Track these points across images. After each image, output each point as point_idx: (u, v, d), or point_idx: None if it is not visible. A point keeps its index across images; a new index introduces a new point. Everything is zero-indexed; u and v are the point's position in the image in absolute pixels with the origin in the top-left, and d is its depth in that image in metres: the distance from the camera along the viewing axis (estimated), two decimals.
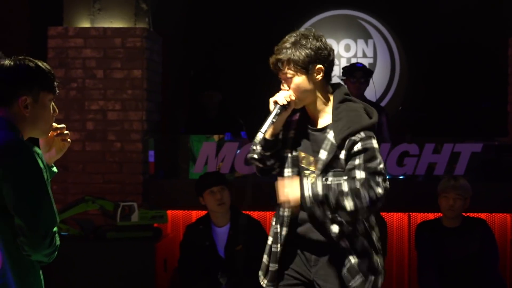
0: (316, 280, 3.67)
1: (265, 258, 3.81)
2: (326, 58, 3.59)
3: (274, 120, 3.51)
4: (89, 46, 6.33)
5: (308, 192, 3.38)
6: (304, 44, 3.55)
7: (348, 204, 3.35)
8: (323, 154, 3.52)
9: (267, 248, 3.79)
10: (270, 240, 3.78)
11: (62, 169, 6.26)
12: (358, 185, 3.39)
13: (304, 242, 3.68)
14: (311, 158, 3.60)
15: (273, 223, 3.75)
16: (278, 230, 3.69)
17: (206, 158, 6.29)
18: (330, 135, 3.51)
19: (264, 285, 3.79)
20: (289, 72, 3.54)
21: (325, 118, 3.61)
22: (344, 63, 9.02)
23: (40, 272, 2.95)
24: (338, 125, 3.50)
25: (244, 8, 8.89)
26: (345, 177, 3.46)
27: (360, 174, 3.43)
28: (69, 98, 6.31)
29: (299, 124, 3.67)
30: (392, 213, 6.24)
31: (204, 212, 5.61)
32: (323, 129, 3.57)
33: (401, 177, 6.20)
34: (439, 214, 5.48)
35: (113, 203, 5.67)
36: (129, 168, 6.27)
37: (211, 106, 7.95)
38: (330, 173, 3.50)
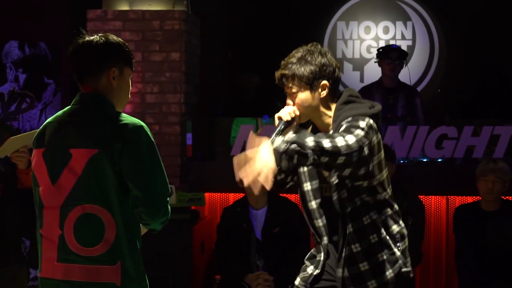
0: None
1: (307, 263, 3.81)
2: (331, 74, 3.56)
3: (278, 135, 3.45)
4: (128, 29, 6.33)
5: (277, 142, 3.19)
6: (309, 61, 3.53)
7: (325, 144, 3.16)
8: None
9: (310, 255, 3.80)
10: (313, 250, 3.79)
11: None
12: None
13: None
14: None
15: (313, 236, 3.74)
16: (320, 240, 3.68)
17: (244, 140, 6.27)
18: None
19: (297, 284, 3.79)
20: (294, 88, 3.53)
21: (330, 124, 3.58)
22: (382, 45, 8.96)
23: None
24: (334, 125, 3.50)
25: None
26: None
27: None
28: None
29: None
30: (430, 196, 6.20)
31: (241, 195, 5.60)
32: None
33: (439, 160, 6.14)
34: (478, 197, 5.43)
35: None
36: (167, 150, 6.26)
37: (249, 88, 7.94)
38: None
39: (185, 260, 5.43)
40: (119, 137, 3.01)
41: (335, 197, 3.54)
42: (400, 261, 3.61)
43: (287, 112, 3.52)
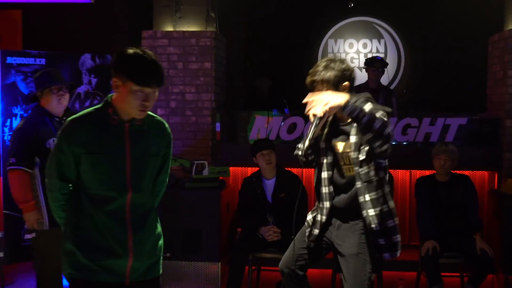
0: (335, 241, 3.65)
1: (308, 223, 3.79)
2: (350, 76, 3.56)
3: (315, 129, 3.44)
4: (172, 45, 6.30)
5: (351, 101, 3.25)
6: (333, 67, 3.50)
7: (378, 114, 3.24)
8: (353, 138, 3.50)
9: (311, 217, 3.78)
10: (314, 211, 3.76)
11: None
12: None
13: (335, 210, 3.64)
14: (344, 144, 3.56)
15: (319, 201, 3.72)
16: (322, 205, 3.66)
17: (258, 128, 6.25)
18: (353, 129, 3.50)
19: (309, 245, 3.78)
20: (323, 89, 3.47)
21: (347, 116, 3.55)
22: (362, 57, 8.91)
23: None
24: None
25: (286, 16, 8.84)
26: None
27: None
28: None
29: (331, 123, 3.63)
30: (397, 170, 6.20)
31: (256, 169, 5.58)
32: (350, 123, 3.54)
33: (404, 143, 6.10)
34: (433, 171, 5.38)
35: (190, 162, 5.67)
36: (201, 135, 6.25)
37: (263, 89, 7.93)
38: (361, 151, 3.47)
39: (214, 217, 5.42)
40: None
41: (358, 170, 3.49)
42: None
43: (321, 110, 3.42)
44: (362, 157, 3.47)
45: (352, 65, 9.12)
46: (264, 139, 5.71)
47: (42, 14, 7.69)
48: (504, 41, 6.02)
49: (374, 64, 6.83)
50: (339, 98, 3.23)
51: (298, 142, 3.69)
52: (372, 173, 3.49)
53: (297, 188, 5.31)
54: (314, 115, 3.38)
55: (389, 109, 3.40)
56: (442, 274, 5.05)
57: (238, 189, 5.68)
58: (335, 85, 3.48)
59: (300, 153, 3.65)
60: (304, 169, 6.30)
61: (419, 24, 8.79)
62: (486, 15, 7.34)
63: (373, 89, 6.79)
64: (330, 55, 3.63)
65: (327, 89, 3.46)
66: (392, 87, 8.69)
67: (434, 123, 6.04)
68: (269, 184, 5.44)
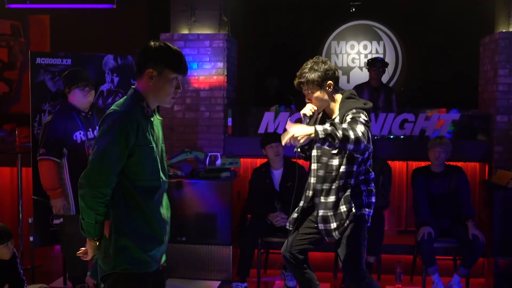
0: (318, 222, 3.75)
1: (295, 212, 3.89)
2: (333, 75, 3.60)
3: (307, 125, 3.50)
4: (188, 46, 6.30)
5: (319, 128, 3.18)
6: (316, 69, 3.56)
7: (350, 134, 3.17)
8: None
9: (299, 206, 3.87)
10: (302, 201, 3.85)
11: (169, 130, 6.30)
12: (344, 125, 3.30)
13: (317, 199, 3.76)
14: None
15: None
16: (306, 194, 3.80)
17: (267, 123, 6.26)
18: (337, 119, 3.55)
19: (288, 228, 3.89)
20: (309, 89, 3.56)
21: (335, 112, 3.63)
22: (362, 58, 8.90)
23: None
24: (341, 112, 3.53)
25: (293, 20, 8.83)
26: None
27: (345, 124, 3.35)
28: None
29: (322, 118, 3.70)
30: (395, 162, 6.18)
31: (265, 160, 5.59)
32: (334, 118, 3.60)
33: (402, 136, 6.08)
34: (429, 162, 5.37)
35: (204, 153, 5.69)
36: (214, 129, 6.26)
37: (271, 87, 7.94)
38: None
39: (227, 204, 5.43)
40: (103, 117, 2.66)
41: (334, 163, 3.60)
42: (363, 208, 3.65)
43: (309, 109, 3.57)
44: (334, 151, 3.57)
45: (353, 65, 9.24)
46: (273, 132, 5.71)
47: (69, 18, 7.73)
48: (494, 43, 6.00)
49: (375, 64, 6.81)
50: (306, 130, 3.14)
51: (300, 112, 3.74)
52: (334, 166, 3.60)
53: (303, 177, 5.36)
54: (304, 115, 3.55)
55: (367, 107, 3.48)
56: (437, 257, 5.05)
57: (248, 178, 5.70)
58: (319, 85, 3.54)
59: (298, 149, 3.72)
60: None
61: (416, 27, 8.77)
62: (478, 19, 7.31)
63: (375, 88, 6.79)
64: (315, 58, 3.64)
65: (312, 89, 3.54)
66: (390, 85, 8.68)
67: (429, 118, 6.03)
68: (277, 174, 5.45)
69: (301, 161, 5.68)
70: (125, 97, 2.77)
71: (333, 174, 3.61)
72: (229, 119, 6.38)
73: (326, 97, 3.57)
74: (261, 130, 6.24)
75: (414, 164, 6.05)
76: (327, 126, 3.18)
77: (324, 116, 3.68)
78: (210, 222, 5.43)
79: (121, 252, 2.66)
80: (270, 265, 5.72)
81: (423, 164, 5.56)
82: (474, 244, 4.94)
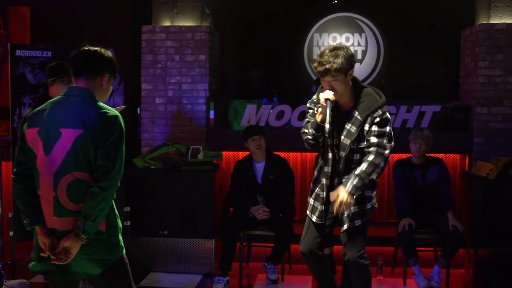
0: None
1: (312, 201, 3.84)
2: (354, 63, 3.58)
3: (331, 112, 3.52)
4: (169, 38, 6.24)
5: (354, 191, 3.51)
6: (343, 55, 3.49)
7: (375, 176, 3.51)
8: (352, 128, 3.58)
9: (314, 195, 3.82)
10: (317, 189, 3.80)
11: (151, 123, 6.24)
12: (372, 157, 3.50)
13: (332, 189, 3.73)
14: (345, 129, 3.64)
15: (320, 177, 3.79)
16: (324, 182, 3.74)
17: (249, 116, 6.22)
18: (355, 113, 3.56)
19: (314, 220, 3.81)
20: (337, 76, 3.49)
21: (348, 101, 3.62)
22: None
23: None
24: (361, 107, 3.54)
25: (276, 12, 8.78)
26: (367, 149, 3.54)
27: (373, 139, 3.51)
28: (156, 74, 6.27)
29: (333, 108, 3.62)
30: None
31: (247, 153, 5.56)
32: (349, 110, 3.61)
33: None
34: (410, 154, 5.38)
35: (186, 146, 5.64)
36: (196, 122, 6.22)
37: (254, 79, 7.87)
38: (356, 143, 3.58)
39: (209, 197, 5.40)
40: (100, 121, 2.77)
41: (343, 154, 3.65)
42: (373, 200, 3.80)
43: (331, 94, 3.51)
44: (353, 146, 3.58)
45: None
46: (255, 125, 5.68)
47: (48, 10, 7.61)
48: (475, 35, 6.00)
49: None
50: (350, 197, 3.51)
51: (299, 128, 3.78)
52: (355, 160, 3.63)
53: (284, 171, 5.34)
54: (327, 99, 3.49)
55: (385, 100, 3.58)
56: (417, 248, 5.06)
57: (230, 171, 5.66)
58: (345, 73, 3.51)
59: (310, 137, 3.66)
60: (292, 153, 6.29)
61: (397, 19, 8.77)
62: (458, 11, 7.32)
63: None
64: (337, 44, 3.58)
65: (338, 75, 3.47)
66: (372, 77, 8.68)
67: (410, 111, 6.03)
68: (259, 167, 5.42)
69: (283, 154, 5.69)
70: (88, 98, 2.87)
71: (352, 166, 3.63)
72: (211, 112, 6.33)
73: (347, 84, 3.55)
74: (244, 122, 6.21)
75: (395, 156, 6.04)
76: (355, 181, 3.48)
77: (336, 105, 3.62)
78: (192, 215, 5.40)
79: (118, 239, 2.95)
80: (252, 259, 5.70)
81: (404, 156, 5.56)
82: (454, 235, 4.95)
